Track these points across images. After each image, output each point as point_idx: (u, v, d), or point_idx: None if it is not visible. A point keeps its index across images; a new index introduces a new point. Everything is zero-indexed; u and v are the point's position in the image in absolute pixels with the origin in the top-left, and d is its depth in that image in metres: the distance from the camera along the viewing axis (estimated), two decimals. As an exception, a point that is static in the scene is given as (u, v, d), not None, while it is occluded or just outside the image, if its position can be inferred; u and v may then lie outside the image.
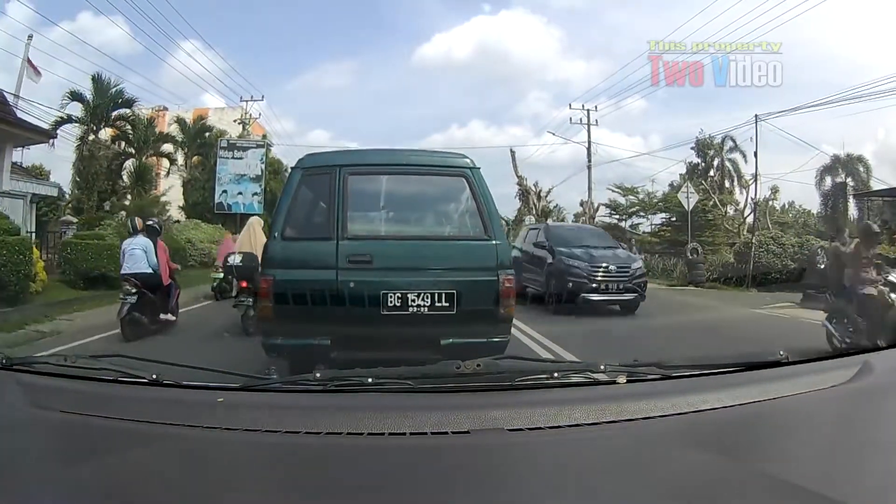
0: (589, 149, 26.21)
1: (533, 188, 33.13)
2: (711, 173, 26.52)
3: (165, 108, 25.51)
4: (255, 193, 23.43)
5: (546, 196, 33.68)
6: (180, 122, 25.72)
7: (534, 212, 31.64)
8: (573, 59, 52.90)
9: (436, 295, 3.75)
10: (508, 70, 51.10)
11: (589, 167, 26.30)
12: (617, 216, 28.46)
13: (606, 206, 27.96)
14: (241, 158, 23.53)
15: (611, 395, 1.31)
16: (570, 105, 26.26)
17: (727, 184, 26.00)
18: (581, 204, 27.65)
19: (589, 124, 25.93)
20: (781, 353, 1.46)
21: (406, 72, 50.66)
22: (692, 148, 26.71)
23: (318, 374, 1.38)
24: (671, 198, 24.53)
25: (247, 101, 27.04)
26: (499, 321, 3.87)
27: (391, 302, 3.74)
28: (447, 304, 3.75)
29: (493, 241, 3.92)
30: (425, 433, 1.12)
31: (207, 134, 25.35)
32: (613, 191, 28.19)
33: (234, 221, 22.88)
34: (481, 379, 1.36)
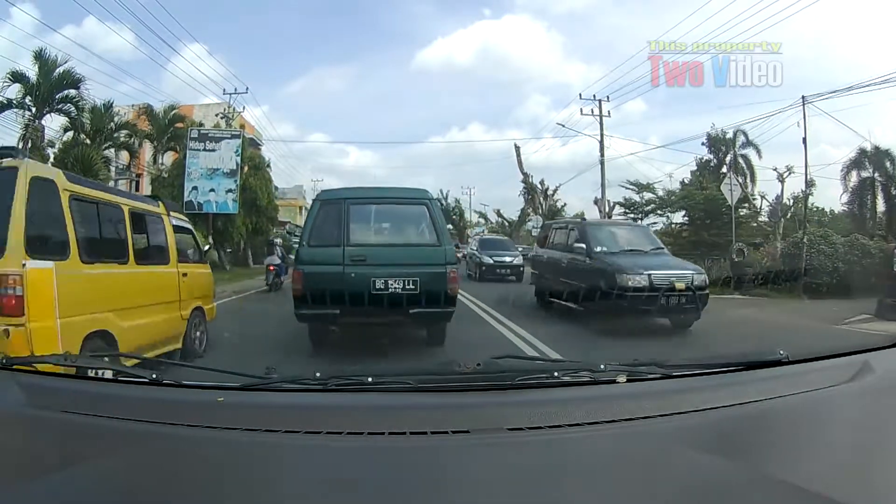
0: (602, 142, 24.30)
1: (539, 186, 32.14)
2: (724, 170, 24.92)
3: (150, 106, 22.60)
4: (230, 190, 20.43)
5: (553, 195, 32.73)
6: (148, 111, 21.96)
7: (540, 211, 30.67)
8: (572, 62, 53.21)
9: (405, 280, 5.58)
10: (508, 74, 51.49)
11: (602, 162, 24.39)
12: (633, 215, 26.89)
13: (621, 204, 26.82)
14: (213, 151, 20.54)
15: (611, 395, 1.31)
16: (580, 95, 24.33)
17: (740, 180, 24.33)
18: (595, 202, 25.88)
19: (601, 115, 24.02)
20: (781, 352, 1.46)
21: (407, 76, 51.17)
22: (703, 143, 25.52)
23: (318, 374, 1.37)
24: (693, 194, 23.17)
25: (230, 93, 23.86)
26: (447, 298, 5.69)
27: (377, 285, 5.56)
28: (413, 287, 5.58)
29: (443, 247, 5.84)
30: (425, 433, 1.12)
31: (180, 125, 22.12)
32: (627, 188, 26.78)
33: (206, 222, 19.90)
34: (481, 378, 1.36)
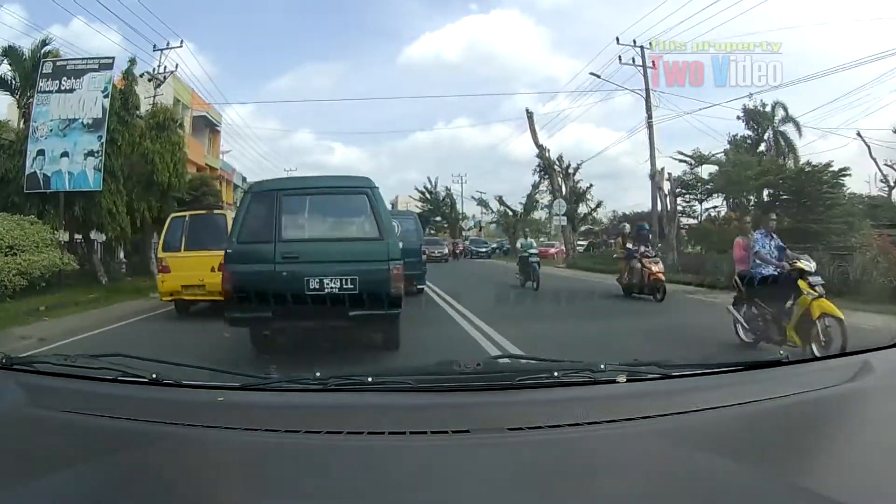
0: (648, 98, 18.91)
1: (558, 164, 26.39)
2: (762, 147, 21.30)
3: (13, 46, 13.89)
4: (91, 153, 12.78)
5: (575, 174, 26.86)
6: (10, 52, 13.75)
7: (560, 193, 25.67)
8: (560, 57, 53.07)
9: (343, 279, 5.01)
10: (496, 69, 51.16)
11: (650, 125, 18.93)
12: (689, 196, 21.30)
13: (680, 182, 20.91)
14: (71, 91, 12.95)
15: (611, 395, 1.31)
16: (616, 39, 19.07)
17: (780, 160, 20.45)
18: (651, 177, 19.40)
19: (645, 66, 18.69)
20: (781, 352, 1.46)
21: (394, 71, 50.94)
22: (738, 117, 21.33)
23: (318, 374, 1.38)
24: (780, 167, 18.39)
25: (161, 49, 17.70)
26: (391, 298, 5.05)
27: (312, 285, 4.98)
28: (352, 286, 4.99)
29: (386, 241, 5.22)
30: (425, 432, 1.12)
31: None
32: (682, 160, 20.71)
33: (57, 206, 12.63)
34: (481, 378, 1.36)
